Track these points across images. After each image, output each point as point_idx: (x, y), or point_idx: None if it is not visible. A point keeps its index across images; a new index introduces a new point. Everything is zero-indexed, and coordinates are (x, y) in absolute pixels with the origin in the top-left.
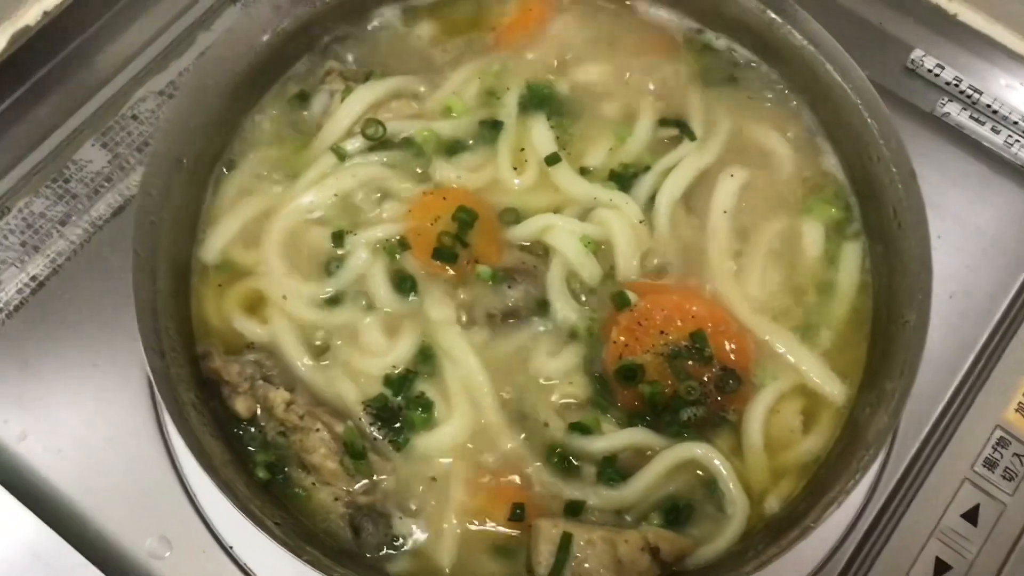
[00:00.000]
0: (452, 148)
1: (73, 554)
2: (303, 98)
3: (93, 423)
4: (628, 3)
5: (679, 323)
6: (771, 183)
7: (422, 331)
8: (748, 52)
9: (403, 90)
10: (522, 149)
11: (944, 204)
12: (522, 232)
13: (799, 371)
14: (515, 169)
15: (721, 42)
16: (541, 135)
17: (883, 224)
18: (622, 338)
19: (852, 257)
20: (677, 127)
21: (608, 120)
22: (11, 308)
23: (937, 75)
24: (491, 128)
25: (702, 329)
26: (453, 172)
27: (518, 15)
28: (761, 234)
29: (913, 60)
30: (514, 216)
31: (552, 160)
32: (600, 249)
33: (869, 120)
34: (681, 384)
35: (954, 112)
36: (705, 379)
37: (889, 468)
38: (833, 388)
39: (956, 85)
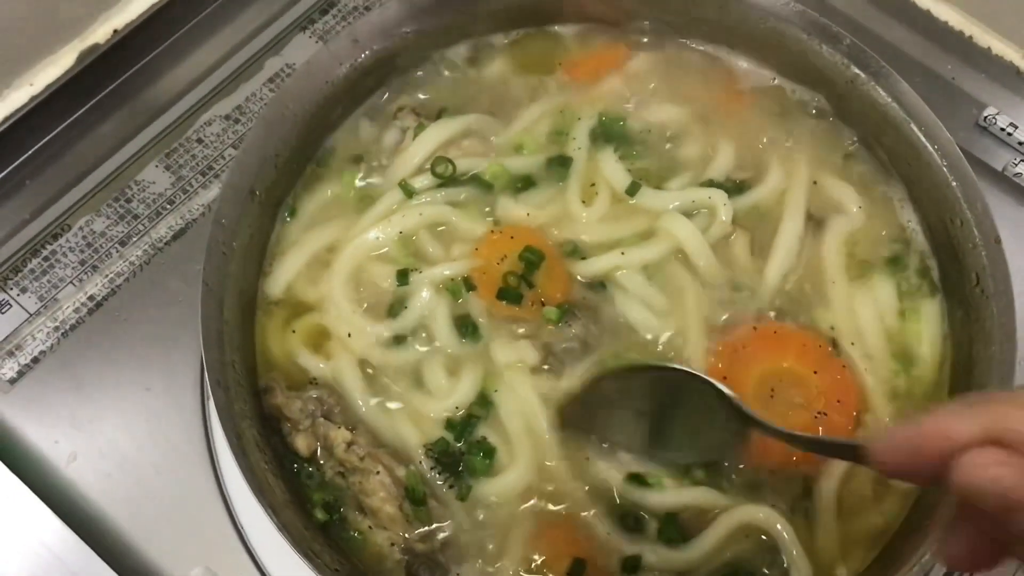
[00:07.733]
0: (520, 184)
1: None
2: (357, 161)
3: (144, 448)
4: (709, 49)
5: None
6: (848, 237)
7: (484, 372)
8: (827, 105)
9: (475, 128)
10: (592, 184)
11: (1016, 266)
12: (588, 270)
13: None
14: (583, 203)
15: (801, 94)
16: (612, 168)
17: (964, 289)
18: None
19: (931, 314)
20: (752, 171)
21: (681, 159)
22: (67, 327)
23: (1010, 134)
24: (559, 165)
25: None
26: (520, 209)
27: (593, 54)
28: None
29: (986, 118)
30: (573, 247)
31: (633, 189)
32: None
33: (954, 183)
34: None
35: None
36: None
37: None
38: None
39: None
